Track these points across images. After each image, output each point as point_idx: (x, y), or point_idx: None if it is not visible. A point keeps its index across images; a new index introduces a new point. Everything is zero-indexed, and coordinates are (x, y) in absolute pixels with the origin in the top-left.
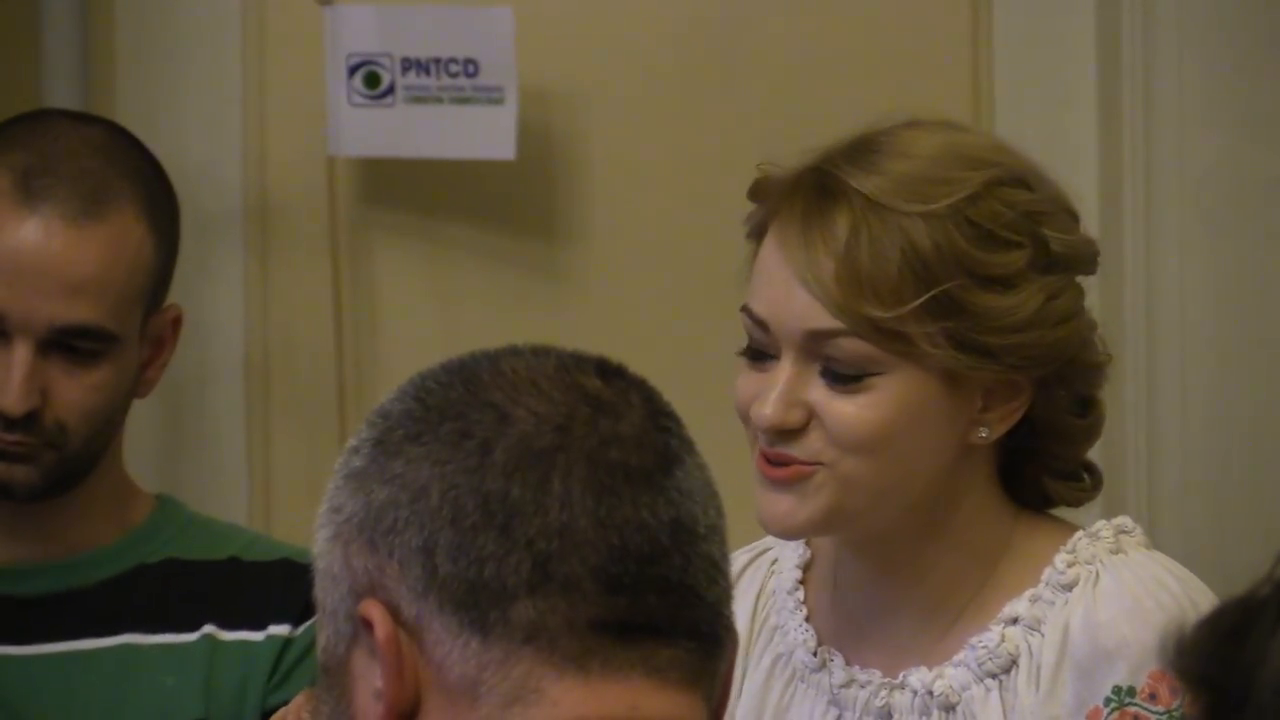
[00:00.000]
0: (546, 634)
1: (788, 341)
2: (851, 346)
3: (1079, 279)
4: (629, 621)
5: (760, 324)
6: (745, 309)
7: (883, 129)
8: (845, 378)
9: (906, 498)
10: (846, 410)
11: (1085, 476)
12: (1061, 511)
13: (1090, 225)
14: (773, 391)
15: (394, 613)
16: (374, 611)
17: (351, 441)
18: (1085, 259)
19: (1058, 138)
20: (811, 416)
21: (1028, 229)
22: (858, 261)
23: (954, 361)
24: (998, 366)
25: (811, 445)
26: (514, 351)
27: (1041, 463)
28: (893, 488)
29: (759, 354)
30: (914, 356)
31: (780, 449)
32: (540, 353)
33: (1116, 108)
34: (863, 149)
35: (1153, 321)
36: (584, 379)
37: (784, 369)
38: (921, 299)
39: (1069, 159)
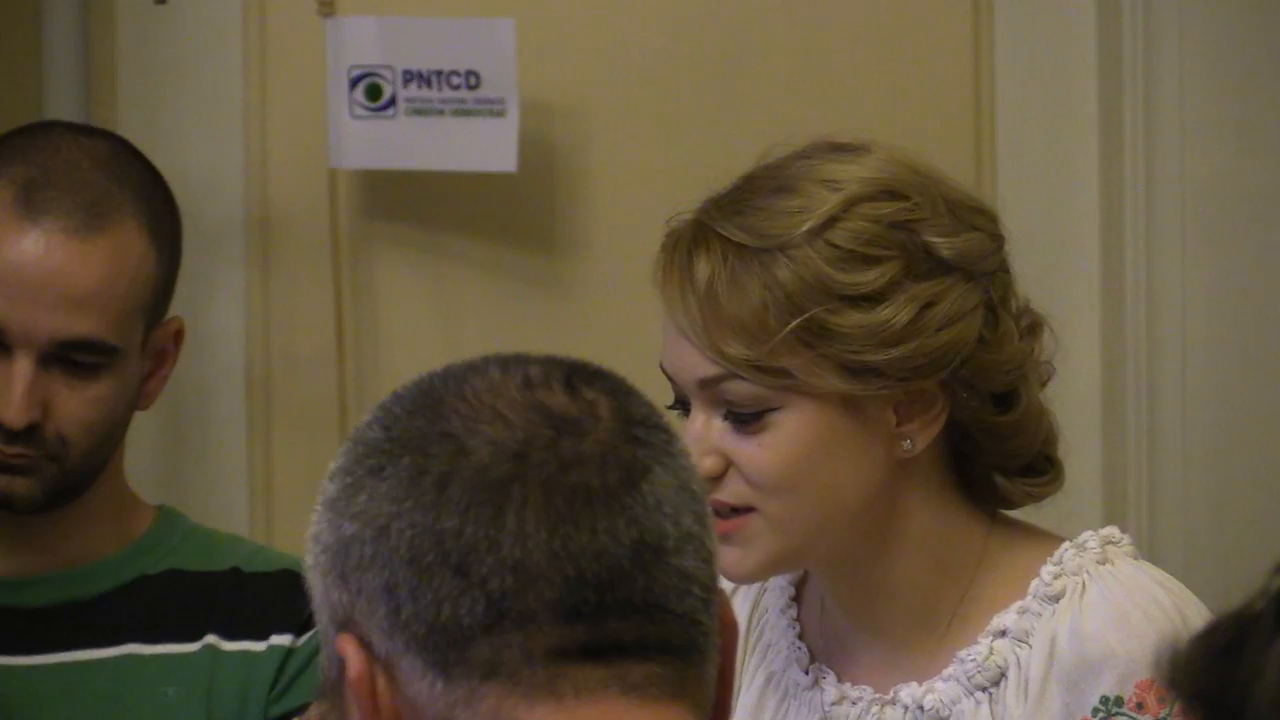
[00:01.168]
0: (505, 669)
1: (690, 393)
2: (739, 389)
3: (999, 274)
4: (591, 646)
5: (670, 379)
6: (660, 364)
7: (769, 162)
8: (744, 419)
9: (847, 523)
10: (753, 453)
11: (1047, 469)
12: (1057, 517)
13: (1092, 237)
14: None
15: (368, 647)
16: (348, 649)
17: (332, 464)
18: (976, 257)
19: (1059, 152)
20: (729, 462)
21: (896, 240)
22: (718, 304)
23: (840, 386)
24: (885, 382)
25: (736, 490)
26: (481, 368)
27: (987, 462)
28: (828, 518)
29: (683, 405)
30: (801, 388)
31: (712, 497)
32: (509, 366)
33: (1118, 121)
34: (737, 190)
35: (1154, 332)
36: (548, 396)
37: (695, 420)
38: (785, 330)
39: (1070, 172)
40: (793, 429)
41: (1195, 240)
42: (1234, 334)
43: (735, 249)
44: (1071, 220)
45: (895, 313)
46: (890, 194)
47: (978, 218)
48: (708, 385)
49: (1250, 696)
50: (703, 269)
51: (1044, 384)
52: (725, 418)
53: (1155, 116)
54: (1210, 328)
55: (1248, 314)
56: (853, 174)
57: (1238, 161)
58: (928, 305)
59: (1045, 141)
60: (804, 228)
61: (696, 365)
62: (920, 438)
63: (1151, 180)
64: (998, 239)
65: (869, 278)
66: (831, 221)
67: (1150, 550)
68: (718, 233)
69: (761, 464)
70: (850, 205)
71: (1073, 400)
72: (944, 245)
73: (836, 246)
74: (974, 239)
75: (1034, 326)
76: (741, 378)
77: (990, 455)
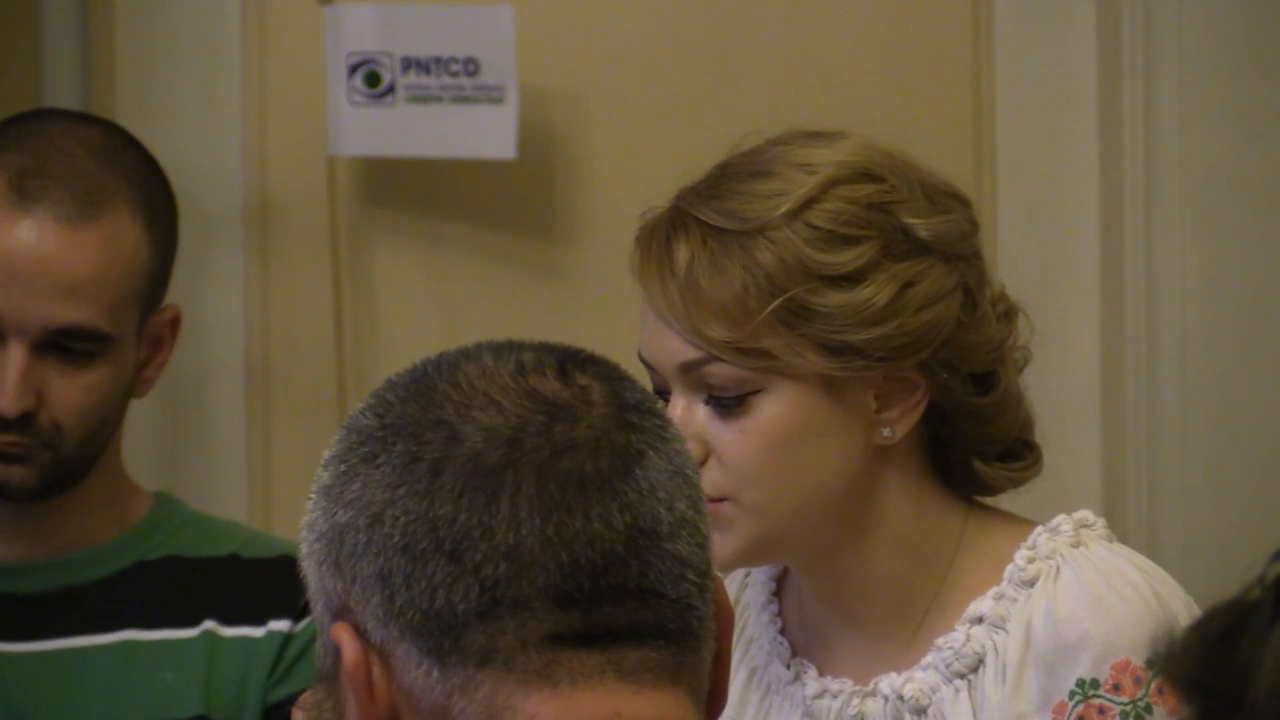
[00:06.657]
0: (500, 655)
1: (670, 379)
2: (721, 372)
3: (974, 259)
4: (585, 632)
5: (649, 367)
6: (639, 354)
7: (743, 150)
8: (726, 403)
9: (825, 511)
10: (734, 440)
11: (1025, 454)
12: (1055, 508)
13: (1091, 224)
14: None
15: (363, 635)
16: (343, 636)
17: (326, 452)
18: (953, 239)
19: (1058, 138)
20: (709, 451)
21: (874, 221)
22: (699, 287)
23: (821, 366)
24: (866, 362)
25: (712, 478)
26: (474, 355)
27: (966, 447)
28: (806, 505)
29: (662, 393)
30: (783, 370)
31: None
32: (502, 353)
33: (1117, 108)
34: (714, 176)
35: (1153, 320)
36: (540, 382)
37: (675, 406)
38: (766, 311)
39: (1070, 159)
40: (774, 412)
41: (1195, 228)
42: (1233, 322)
43: (714, 233)
44: (1071, 209)
45: (875, 292)
46: (867, 176)
47: (952, 202)
48: (689, 370)
49: (1248, 685)
50: (682, 254)
51: (1021, 369)
52: (707, 403)
53: (1154, 104)
54: (1210, 316)
55: (1247, 302)
56: (828, 158)
57: (1237, 149)
58: (907, 285)
59: (1044, 130)
60: (782, 210)
61: (677, 350)
62: (900, 425)
63: (1151, 168)
64: (973, 223)
65: (848, 257)
66: (810, 203)
67: (1149, 539)
68: (696, 218)
69: (743, 450)
70: (828, 187)
71: (1072, 389)
72: (921, 226)
73: (815, 227)
74: (951, 221)
75: (1009, 312)
76: (723, 360)
77: (969, 440)
